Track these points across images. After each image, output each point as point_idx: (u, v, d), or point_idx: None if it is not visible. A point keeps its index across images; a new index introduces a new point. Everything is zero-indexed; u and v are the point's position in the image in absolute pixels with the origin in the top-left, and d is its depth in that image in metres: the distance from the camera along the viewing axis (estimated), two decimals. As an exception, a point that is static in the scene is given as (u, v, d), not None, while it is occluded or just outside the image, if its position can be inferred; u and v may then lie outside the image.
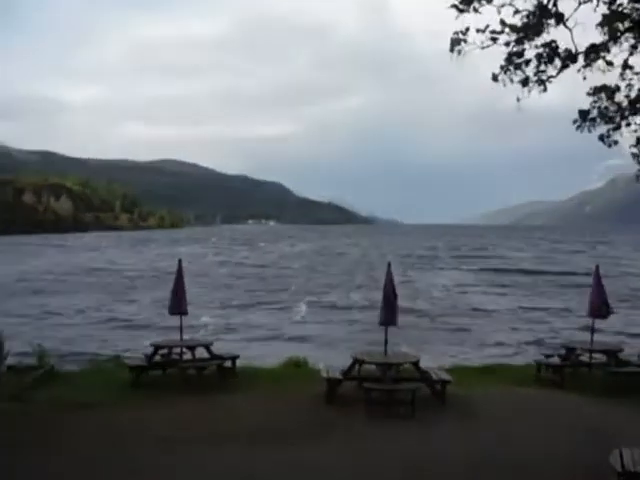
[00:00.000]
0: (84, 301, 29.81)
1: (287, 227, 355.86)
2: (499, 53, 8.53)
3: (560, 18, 8.24)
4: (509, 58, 8.54)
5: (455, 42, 8.38)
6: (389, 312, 9.78)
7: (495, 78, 8.51)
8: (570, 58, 8.36)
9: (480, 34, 8.30)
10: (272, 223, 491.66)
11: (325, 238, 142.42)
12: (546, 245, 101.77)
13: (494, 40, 8.41)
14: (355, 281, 40.52)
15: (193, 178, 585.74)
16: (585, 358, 11.23)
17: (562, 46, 8.40)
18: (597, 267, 10.87)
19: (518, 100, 8.49)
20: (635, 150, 8.73)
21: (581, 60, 8.39)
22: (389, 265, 9.89)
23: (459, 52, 8.39)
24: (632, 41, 8.30)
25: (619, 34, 8.28)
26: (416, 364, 9.87)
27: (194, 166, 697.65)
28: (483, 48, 8.38)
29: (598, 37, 8.36)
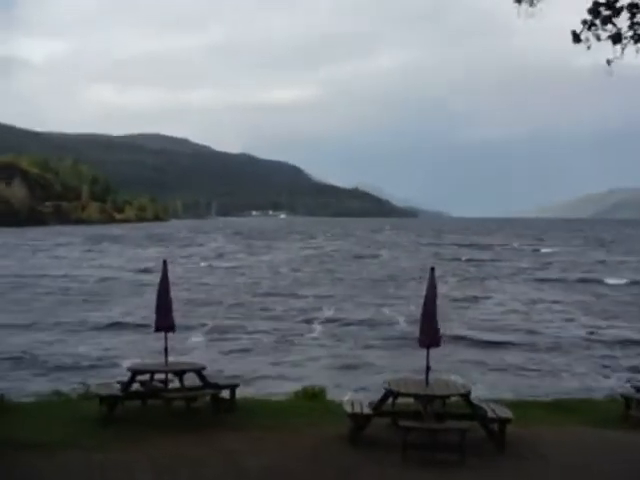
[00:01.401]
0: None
1: (302, 220, 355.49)
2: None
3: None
4: (595, 9, 8.42)
5: None
6: (431, 330, 9.82)
7: (577, 38, 8.38)
8: None
9: None
10: (283, 215, 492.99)
11: (350, 234, 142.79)
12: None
13: None
14: (388, 292, 40.73)
15: (182, 157, 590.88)
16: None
17: None
18: None
19: (609, 63, 8.37)
20: None
21: None
22: (432, 271, 9.96)
23: (531, 2, 8.30)
24: None
25: None
26: (467, 397, 9.81)
27: (184, 142, 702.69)
28: None
29: None
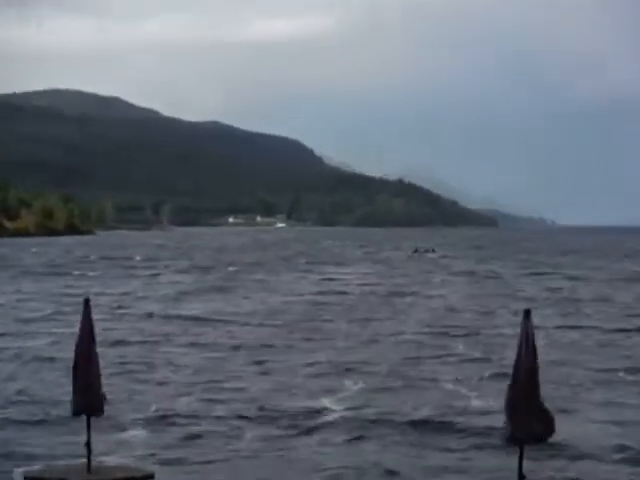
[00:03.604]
0: None
1: (311, 232, 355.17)
2: None
3: None
4: None
5: None
6: (529, 414, 10.21)
7: None
8: None
9: None
10: (280, 224, 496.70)
11: (389, 258, 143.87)
12: None
13: None
14: (450, 351, 41.22)
15: (115, 129, 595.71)
16: None
17: None
18: None
19: None
20: None
21: None
22: (527, 316, 10.68)
23: None
24: None
25: None
26: None
27: (116, 104, 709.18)
28: None
29: None
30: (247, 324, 53.37)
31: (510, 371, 10.60)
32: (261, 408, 29.46)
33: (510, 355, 33.23)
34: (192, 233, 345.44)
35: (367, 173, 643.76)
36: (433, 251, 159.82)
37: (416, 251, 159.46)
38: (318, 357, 39.95)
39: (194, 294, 74.81)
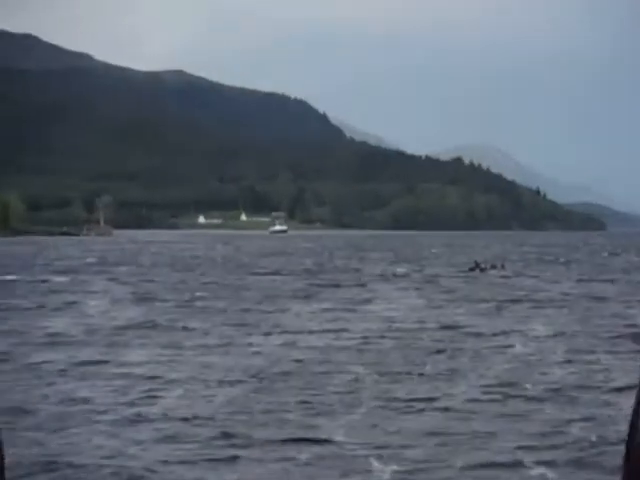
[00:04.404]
0: None
1: (322, 237, 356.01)
2: None
3: None
4: None
5: None
6: None
7: None
8: None
9: None
10: (277, 225, 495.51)
11: (435, 284, 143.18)
12: None
13: None
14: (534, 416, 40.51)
15: (26, 81, 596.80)
16: None
17: None
18: None
19: None
20: None
21: None
22: None
23: None
24: None
25: None
26: None
27: (29, 43, 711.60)
28: None
29: None
30: (219, 382, 51.85)
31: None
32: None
33: (622, 422, 32.91)
34: (143, 239, 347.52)
35: (408, 150, 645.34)
36: (502, 267, 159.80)
37: (476, 267, 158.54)
38: (329, 430, 39.25)
39: (136, 335, 73.09)
